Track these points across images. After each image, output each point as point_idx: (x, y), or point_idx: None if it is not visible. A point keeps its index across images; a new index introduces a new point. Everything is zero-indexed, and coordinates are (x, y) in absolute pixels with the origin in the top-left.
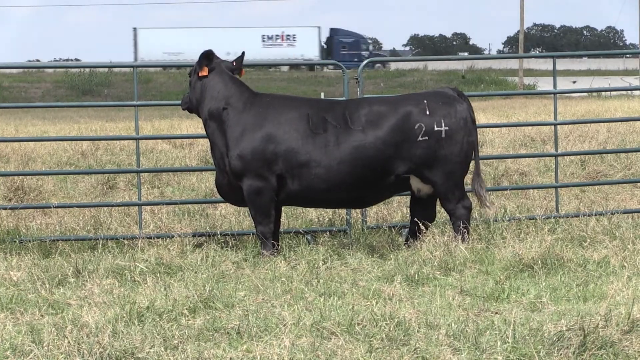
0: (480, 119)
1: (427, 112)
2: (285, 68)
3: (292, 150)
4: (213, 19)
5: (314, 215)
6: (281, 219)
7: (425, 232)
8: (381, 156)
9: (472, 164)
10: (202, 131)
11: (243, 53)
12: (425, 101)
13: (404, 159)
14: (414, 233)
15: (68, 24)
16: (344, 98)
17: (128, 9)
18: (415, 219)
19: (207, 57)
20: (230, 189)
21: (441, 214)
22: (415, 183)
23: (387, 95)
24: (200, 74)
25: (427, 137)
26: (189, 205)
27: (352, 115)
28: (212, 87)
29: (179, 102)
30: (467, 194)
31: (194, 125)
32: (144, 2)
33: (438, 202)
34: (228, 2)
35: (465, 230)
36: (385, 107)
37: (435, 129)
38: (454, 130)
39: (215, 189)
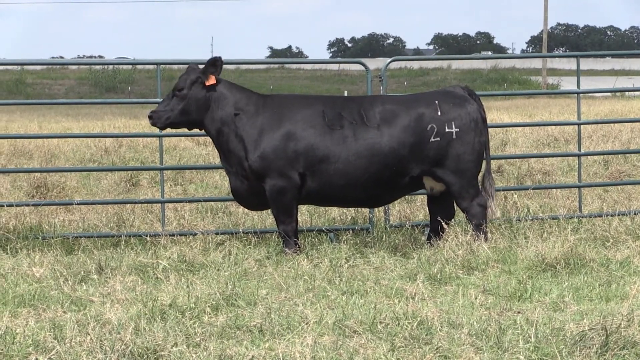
0: (504, 118)
1: (439, 113)
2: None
3: (312, 147)
4: (238, 17)
5: (336, 213)
6: (304, 218)
7: (446, 230)
8: (396, 156)
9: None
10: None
11: (216, 59)
12: (436, 102)
13: (418, 160)
14: (435, 232)
15: (91, 20)
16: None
17: (151, 5)
18: (436, 218)
19: (214, 64)
20: (250, 194)
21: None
22: (428, 182)
23: (398, 94)
24: (207, 83)
25: (438, 139)
26: (212, 203)
27: (367, 112)
28: (218, 95)
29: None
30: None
31: None
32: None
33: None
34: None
35: (484, 228)
36: (398, 107)
37: (447, 130)
38: (464, 131)
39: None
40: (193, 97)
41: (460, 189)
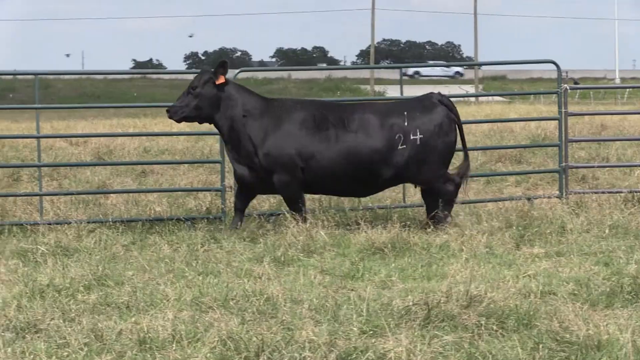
0: None
1: (406, 123)
2: None
3: (305, 145)
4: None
5: (192, 204)
6: (164, 208)
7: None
8: (371, 160)
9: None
10: (95, 130)
11: (224, 61)
12: (405, 112)
13: (389, 165)
14: (431, 218)
15: None
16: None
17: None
18: (430, 205)
19: (223, 66)
20: (255, 182)
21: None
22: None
23: (378, 100)
24: (218, 82)
25: (405, 146)
26: (84, 195)
27: (348, 117)
28: (227, 95)
29: (76, 105)
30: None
31: (88, 125)
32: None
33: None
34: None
35: (447, 209)
36: (375, 116)
37: (411, 137)
38: (427, 137)
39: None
40: (205, 94)
41: (430, 180)
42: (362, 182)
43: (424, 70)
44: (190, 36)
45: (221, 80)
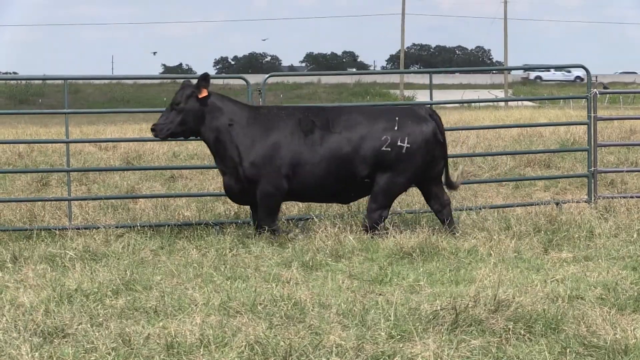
0: None
1: (396, 128)
2: None
3: (293, 153)
4: (136, 38)
5: (221, 209)
6: (193, 213)
7: (448, 214)
8: (349, 158)
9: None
10: (124, 135)
11: (207, 74)
12: (397, 118)
13: (367, 164)
14: (443, 222)
15: (6, 40)
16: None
17: (59, 28)
18: (434, 208)
19: (205, 79)
20: (241, 193)
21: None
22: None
23: (369, 106)
24: (201, 96)
25: (389, 149)
26: (113, 200)
27: (334, 120)
28: (212, 107)
29: (105, 110)
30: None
31: (117, 130)
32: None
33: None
34: (141, 24)
35: (369, 229)
36: (363, 117)
37: (398, 143)
38: (414, 149)
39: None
40: (189, 109)
41: (380, 194)
42: (347, 185)
43: (545, 75)
44: (264, 40)
45: (204, 93)
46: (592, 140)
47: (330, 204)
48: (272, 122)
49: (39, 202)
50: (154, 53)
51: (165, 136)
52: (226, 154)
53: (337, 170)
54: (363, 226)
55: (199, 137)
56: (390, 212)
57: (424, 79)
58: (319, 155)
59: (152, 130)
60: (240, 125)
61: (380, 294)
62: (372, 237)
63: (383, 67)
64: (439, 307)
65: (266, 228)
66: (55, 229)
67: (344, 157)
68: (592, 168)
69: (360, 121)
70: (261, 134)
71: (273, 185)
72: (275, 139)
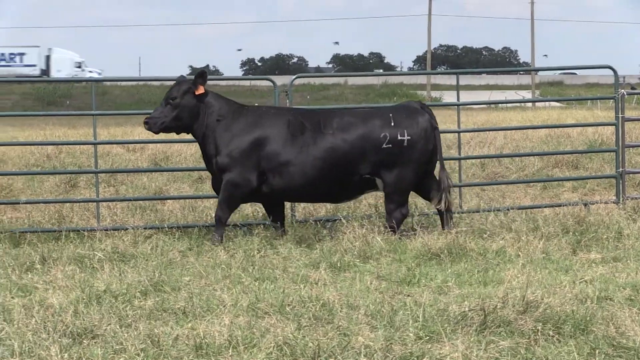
0: None
1: (392, 124)
2: None
3: (275, 152)
4: (163, 39)
5: (249, 210)
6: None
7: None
8: (348, 158)
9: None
10: (152, 136)
11: (204, 71)
12: (391, 114)
13: (369, 162)
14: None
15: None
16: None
17: (86, 30)
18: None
19: (202, 76)
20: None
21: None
22: (380, 183)
23: (360, 107)
24: (197, 93)
25: (390, 145)
26: (141, 202)
27: (326, 122)
28: (206, 104)
29: (133, 111)
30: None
31: (145, 132)
32: (97, 24)
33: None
34: (178, 25)
35: (394, 230)
36: (356, 118)
37: (399, 138)
38: (415, 140)
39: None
40: (185, 105)
41: (394, 192)
42: (342, 185)
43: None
44: (336, 43)
45: (200, 90)
46: (620, 141)
47: (316, 204)
48: (257, 119)
49: (68, 204)
50: (240, 50)
51: (158, 130)
52: (208, 149)
53: (331, 171)
54: (390, 228)
55: (189, 134)
56: (418, 213)
57: (450, 80)
58: (309, 155)
59: (145, 123)
60: (227, 120)
61: (408, 295)
62: (399, 239)
63: (410, 68)
64: (467, 308)
65: (217, 219)
66: (84, 230)
67: (340, 157)
68: (620, 169)
69: (354, 122)
70: (242, 130)
71: (242, 177)
72: (256, 136)
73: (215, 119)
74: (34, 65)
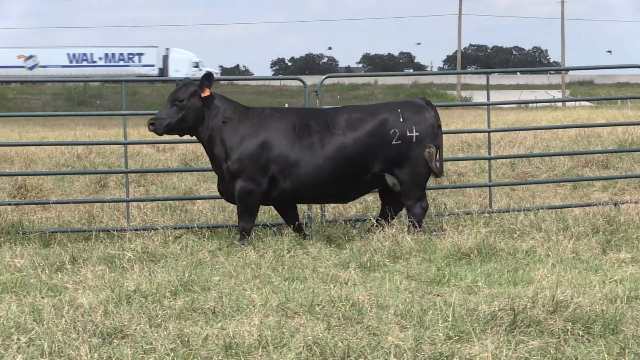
0: None
1: (401, 120)
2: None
3: (283, 154)
4: (190, 39)
5: None
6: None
7: (394, 218)
8: (360, 156)
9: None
10: (182, 137)
11: (210, 74)
12: (399, 110)
13: (380, 159)
14: (385, 217)
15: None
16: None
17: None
18: (387, 207)
19: (209, 78)
20: (230, 193)
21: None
22: (390, 179)
23: (365, 104)
24: (203, 95)
25: (400, 142)
26: (171, 202)
27: (333, 120)
28: (212, 106)
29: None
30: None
31: None
32: (127, 25)
33: None
34: (206, 25)
35: (420, 227)
36: (364, 115)
37: (408, 134)
38: (423, 136)
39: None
40: (191, 107)
41: (410, 188)
42: (352, 184)
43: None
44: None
45: (206, 93)
46: None
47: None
48: (264, 121)
49: (98, 204)
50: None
51: (163, 132)
52: (215, 150)
53: (341, 170)
54: (412, 226)
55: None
56: (447, 213)
57: (481, 80)
58: (318, 156)
59: (151, 124)
60: (233, 122)
61: (438, 295)
62: (429, 239)
63: (440, 68)
64: (497, 308)
65: (241, 230)
66: (114, 230)
67: (350, 156)
68: None
69: (362, 119)
70: (249, 133)
71: (253, 182)
72: (264, 138)
73: (221, 120)
74: (152, 65)
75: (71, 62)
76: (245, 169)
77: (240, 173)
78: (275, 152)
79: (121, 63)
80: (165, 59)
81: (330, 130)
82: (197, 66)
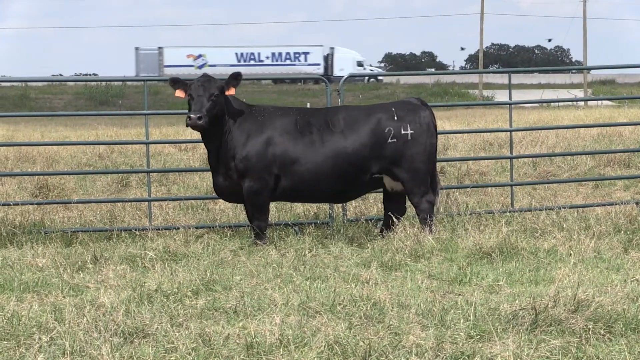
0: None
1: (395, 118)
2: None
3: (286, 151)
4: (210, 39)
5: (300, 209)
6: (272, 214)
7: (397, 225)
8: (358, 155)
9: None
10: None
11: (239, 73)
12: (393, 109)
13: (377, 159)
14: (387, 225)
15: (87, 42)
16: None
17: (136, 30)
18: (389, 213)
19: (236, 78)
20: (231, 191)
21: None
22: (388, 182)
23: (360, 105)
24: (227, 93)
25: (395, 140)
26: (193, 201)
27: (332, 119)
28: (229, 103)
29: (185, 111)
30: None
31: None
32: (147, 24)
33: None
34: (223, 25)
35: (431, 222)
36: (359, 114)
37: (402, 132)
38: (418, 134)
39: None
40: (219, 102)
41: (413, 186)
42: (351, 184)
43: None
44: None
45: (231, 92)
46: None
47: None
48: (266, 120)
49: (119, 203)
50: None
51: (204, 123)
52: (220, 149)
53: (338, 170)
54: (423, 221)
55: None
56: (469, 212)
57: (502, 79)
58: (318, 155)
59: (191, 119)
60: (237, 121)
61: (459, 294)
62: (450, 237)
63: (462, 67)
64: (518, 307)
65: (256, 228)
66: (136, 230)
67: (346, 155)
68: None
69: (358, 118)
70: (255, 132)
71: (260, 181)
72: (267, 137)
73: (231, 119)
74: (317, 64)
75: (239, 61)
76: (252, 167)
77: (247, 172)
78: (277, 150)
79: (287, 62)
80: (330, 57)
81: (330, 129)
82: (361, 65)
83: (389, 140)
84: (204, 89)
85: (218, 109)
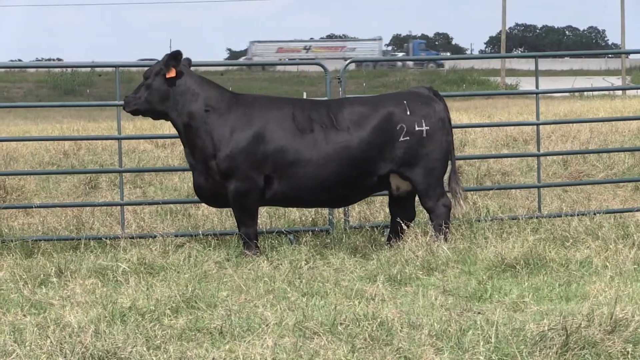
0: (463, 119)
1: (408, 113)
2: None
3: (281, 149)
4: (196, 19)
5: (296, 215)
6: (263, 219)
7: (406, 232)
8: (365, 157)
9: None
10: None
11: (177, 52)
12: (405, 102)
13: (387, 159)
14: (395, 232)
15: (49, 23)
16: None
17: (108, 8)
18: (397, 219)
19: (175, 57)
20: (212, 192)
21: (423, 213)
22: (395, 181)
23: (366, 96)
24: (168, 75)
25: (408, 138)
26: (171, 205)
27: (336, 115)
28: (185, 89)
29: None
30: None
31: None
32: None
33: (417, 202)
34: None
35: (446, 229)
36: (367, 108)
37: (417, 129)
38: (434, 130)
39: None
40: (155, 87)
41: (427, 188)
42: (355, 188)
43: None
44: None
45: (172, 73)
46: None
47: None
48: (256, 111)
49: (88, 208)
50: None
51: (131, 111)
52: (197, 144)
53: (342, 172)
54: (438, 227)
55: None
56: (490, 218)
57: (528, 65)
58: (319, 155)
59: (125, 103)
60: (218, 112)
61: (478, 313)
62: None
63: (481, 51)
64: (546, 327)
65: (244, 236)
66: (106, 238)
67: (351, 157)
68: None
69: (365, 113)
70: (241, 125)
71: (247, 182)
72: (257, 132)
73: (202, 108)
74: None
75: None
76: (237, 166)
77: (232, 172)
78: (269, 147)
79: None
80: None
81: (333, 125)
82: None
83: (401, 139)
84: (144, 75)
85: (153, 95)
